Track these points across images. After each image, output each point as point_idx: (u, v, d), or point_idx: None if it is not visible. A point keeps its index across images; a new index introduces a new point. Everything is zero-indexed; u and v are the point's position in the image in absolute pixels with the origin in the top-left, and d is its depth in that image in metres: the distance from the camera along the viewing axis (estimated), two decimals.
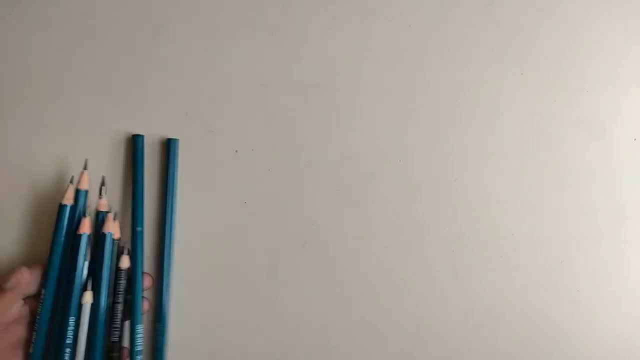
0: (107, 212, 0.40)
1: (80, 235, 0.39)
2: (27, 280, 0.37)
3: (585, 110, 0.46)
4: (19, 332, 0.38)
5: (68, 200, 0.39)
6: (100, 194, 0.41)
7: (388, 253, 0.44)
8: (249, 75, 0.44)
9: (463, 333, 0.44)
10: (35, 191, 0.42)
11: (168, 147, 0.43)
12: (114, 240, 0.40)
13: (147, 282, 0.40)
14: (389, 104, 0.45)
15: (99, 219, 0.40)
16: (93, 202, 0.40)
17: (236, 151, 0.44)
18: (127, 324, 0.40)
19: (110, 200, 0.41)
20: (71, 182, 0.40)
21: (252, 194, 0.44)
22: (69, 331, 0.38)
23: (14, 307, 0.37)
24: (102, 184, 0.41)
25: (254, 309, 0.43)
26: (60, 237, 0.39)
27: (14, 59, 0.43)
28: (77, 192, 0.40)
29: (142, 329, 0.40)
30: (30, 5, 0.43)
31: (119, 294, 0.39)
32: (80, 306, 0.38)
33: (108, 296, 0.39)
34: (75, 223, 0.39)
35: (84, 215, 0.39)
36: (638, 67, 0.47)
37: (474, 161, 0.45)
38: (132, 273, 0.40)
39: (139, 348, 0.39)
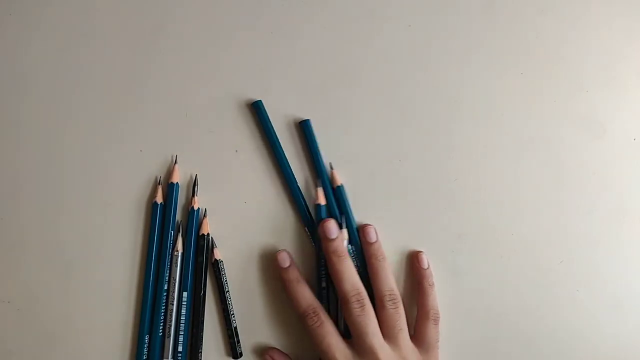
0: (200, 209, 0.43)
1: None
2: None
3: (585, 110, 0.46)
4: None
5: (159, 199, 0.42)
6: (193, 192, 0.43)
7: (387, 253, 0.44)
8: (248, 75, 0.44)
9: (463, 333, 0.44)
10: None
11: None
12: (208, 235, 0.43)
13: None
14: (388, 104, 0.45)
15: (192, 216, 0.42)
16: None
17: (236, 151, 0.44)
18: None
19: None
20: (159, 183, 0.42)
21: (252, 193, 0.44)
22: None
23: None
24: (195, 183, 0.43)
25: None
26: (154, 235, 0.42)
27: (14, 59, 0.43)
28: (169, 186, 0.42)
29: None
30: (30, 5, 0.43)
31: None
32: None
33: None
34: (166, 220, 0.42)
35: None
36: (638, 67, 0.47)
37: (474, 161, 0.45)
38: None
39: None
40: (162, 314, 0.41)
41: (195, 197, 0.43)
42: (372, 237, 0.42)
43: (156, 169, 0.43)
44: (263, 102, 0.44)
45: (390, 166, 0.45)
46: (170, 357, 0.41)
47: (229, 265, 0.43)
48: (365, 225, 0.43)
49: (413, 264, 0.44)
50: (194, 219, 0.42)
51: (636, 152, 0.46)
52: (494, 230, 0.45)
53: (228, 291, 0.42)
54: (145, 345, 0.41)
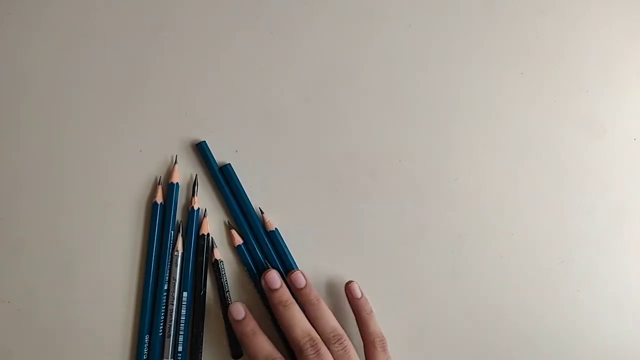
0: (200, 209, 0.43)
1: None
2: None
3: (585, 110, 0.46)
4: None
5: (159, 199, 0.42)
6: (193, 192, 0.42)
7: (388, 253, 0.44)
8: (248, 76, 0.44)
9: (463, 333, 0.44)
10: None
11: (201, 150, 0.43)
12: (208, 235, 0.43)
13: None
14: (389, 104, 0.45)
15: (192, 216, 0.42)
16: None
17: (236, 151, 0.44)
18: None
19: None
20: (159, 183, 0.42)
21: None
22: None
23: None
24: (195, 183, 0.43)
25: None
26: (154, 235, 0.42)
27: (14, 59, 0.43)
28: (169, 186, 0.43)
29: None
30: (30, 5, 0.43)
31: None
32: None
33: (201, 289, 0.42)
34: (166, 220, 0.42)
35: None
36: (638, 67, 0.47)
37: (474, 161, 0.45)
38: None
39: None
40: (162, 313, 0.41)
41: (196, 197, 0.43)
42: (301, 282, 0.41)
43: (156, 169, 0.43)
44: (261, 102, 0.44)
45: (390, 166, 0.45)
46: (170, 357, 0.41)
47: (229, 265, 0.43)
48: (292, 272, 0.42)
49: (347, 295, 0.42)
50: (194, 218, 0.42)
51: (636, 152, 0.46)
52: (494, 230, 0.45)
53: (228, 291, 0.42)
54: (145, 345, 0.41)
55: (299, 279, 0.41)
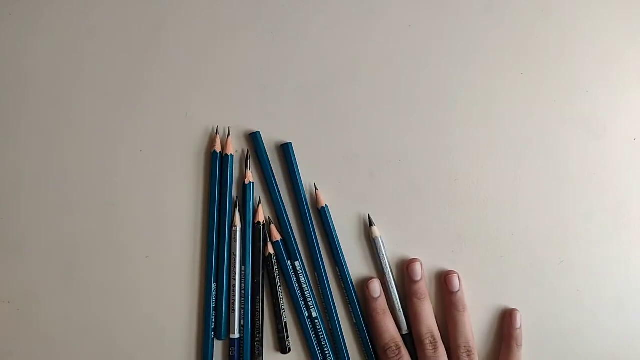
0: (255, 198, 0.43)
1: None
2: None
3: (585, 110, 0.46)
4: None
5: (218, 148, 0.43)
6: (246, 166, 0.43)
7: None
8: (248, 75, 0.44)
9: None
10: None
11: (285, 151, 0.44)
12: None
13: None
14: (388, 104, 0.45)
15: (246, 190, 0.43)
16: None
17: (236, 151, 0.44)
18: None
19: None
20: (217, 132, 0.43)
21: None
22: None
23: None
24: (247, 157, 0.43)
25: None
26: (215, 182, 0.42)
27: (14, 59, 0.43)
28: (223, 156, 0.43)
29: None
30: (30, 5, 0.43)
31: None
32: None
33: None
34: (225, 168, 0.42)
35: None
36: (638, 67, 0.47)
37: (474, 161, 0.45)
38: None
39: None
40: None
41: (249, 170, 0.43)
42: (455, 286, 0.43)
43: (156, 169, 0.43)
44: (261, 102, 0.44)
45: (390, 166, 0.45)
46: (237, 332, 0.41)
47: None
48: (450, 272, 0.43)
49: (505, 320, 0.44)
50: (247, 193, 0.42)
51: (636, 152, 0.46)
52: (494, 230, 0.45)
53: (280, 286, 0.42)
54: None
55: (454, 281, 0.43)
